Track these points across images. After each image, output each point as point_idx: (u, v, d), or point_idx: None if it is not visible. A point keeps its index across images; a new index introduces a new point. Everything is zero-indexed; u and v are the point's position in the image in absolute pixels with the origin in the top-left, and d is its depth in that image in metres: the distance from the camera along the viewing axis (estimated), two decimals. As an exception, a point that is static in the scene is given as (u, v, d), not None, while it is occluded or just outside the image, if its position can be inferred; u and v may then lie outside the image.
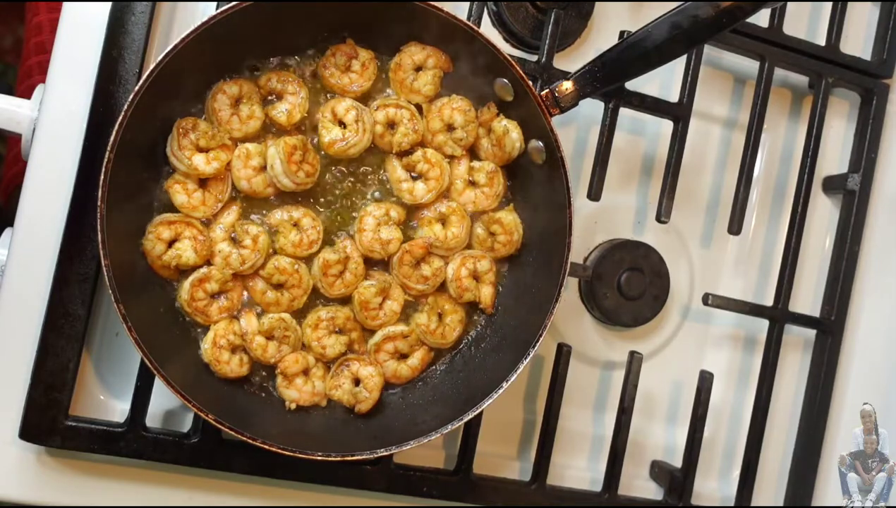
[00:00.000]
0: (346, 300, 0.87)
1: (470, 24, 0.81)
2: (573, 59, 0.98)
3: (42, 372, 0.79)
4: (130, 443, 0.81)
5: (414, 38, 0.86)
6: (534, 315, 0.83)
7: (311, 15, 0.82)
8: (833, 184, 1.07)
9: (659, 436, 1.03)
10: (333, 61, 0.85)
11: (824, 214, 1.08)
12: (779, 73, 1.01)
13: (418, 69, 0.86)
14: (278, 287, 0.84)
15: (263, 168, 0.83)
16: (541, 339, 0.81)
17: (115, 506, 0.84)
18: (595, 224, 1.00)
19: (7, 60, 1.83)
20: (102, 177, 0.74)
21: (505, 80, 0.84)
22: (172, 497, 0.85)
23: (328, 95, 0.86)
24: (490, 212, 0.88)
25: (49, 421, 0.79)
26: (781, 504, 1.03)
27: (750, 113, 0.99)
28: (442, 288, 0.88)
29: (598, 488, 0.94)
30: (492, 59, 0.82)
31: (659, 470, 1.00)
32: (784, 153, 1.07)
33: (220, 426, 0.77)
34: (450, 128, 0.87)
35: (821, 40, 1.04)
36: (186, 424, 0.85)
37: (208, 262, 0.83)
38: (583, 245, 0.99)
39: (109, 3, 0.81)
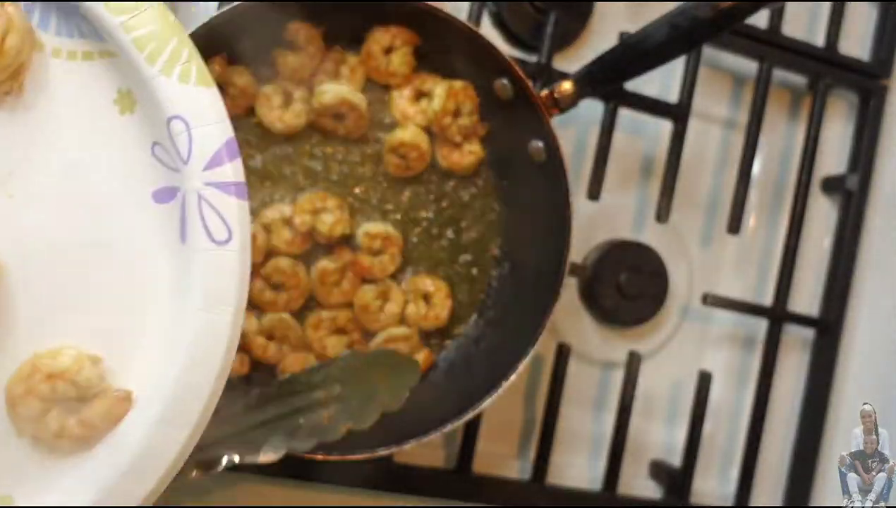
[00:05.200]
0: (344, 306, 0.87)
1: (470, 24, 0.81)
2: (573, 60, 0.98)
3: (43, 371, 0.79)
4: (131, 443, 0.81)
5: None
6: (533, 315, 0.83)
7: (311, 15, 0.82)
8: (832, 185, 1.07)
9: (658, 436, 1.03)
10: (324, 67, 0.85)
11: (823, 214, 1.08)
12: (777, 73, 1.01)
13: (388, 52, 0.85)
14: (276, 287, 0.84)
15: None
16: (540, 339, 0.81)
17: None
18: (594, 224, 1.00)
19: (7, 62, 1.83)
20: (103, 177, 0.74)
21: (504, 80, 0.84)
22: (172, 497, 0.85)
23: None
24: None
25: (50, 421, 0.79)
26: (781, 504, 1.03)
27: (749, 113, 1.00)
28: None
29: (597, 487, 0.95)
30: (491, 60, 0.82)
31: (658, 470, 1.00)
32: (783, 153, 1.08)
33: (220, 425, 0.77)
34: (457, 113, 0.86)
35: (819, 41, 1.04)
36: (187, 424, 0.84)
37: (208, 262, 0.83)
38: (582, 245, 0.99)
39: (110, 4, 0.81)
